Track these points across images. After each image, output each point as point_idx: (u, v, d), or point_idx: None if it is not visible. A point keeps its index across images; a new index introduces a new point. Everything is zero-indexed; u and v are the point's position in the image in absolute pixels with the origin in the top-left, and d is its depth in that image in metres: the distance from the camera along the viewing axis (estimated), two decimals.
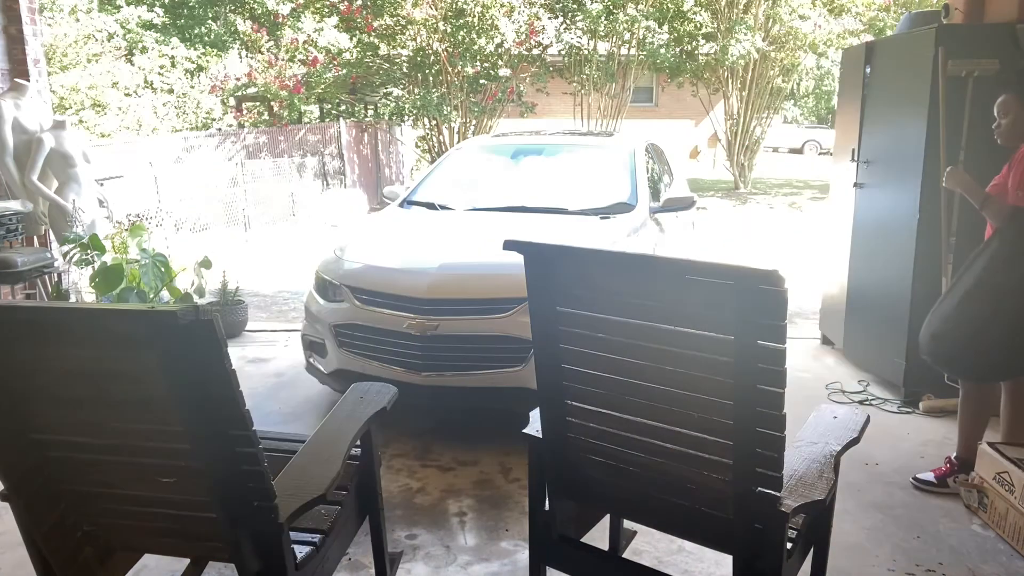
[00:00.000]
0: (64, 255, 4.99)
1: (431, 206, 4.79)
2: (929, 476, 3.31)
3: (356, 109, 16.87)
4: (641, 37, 13.93)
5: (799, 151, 27.44)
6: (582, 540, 2.22)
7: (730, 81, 15.46)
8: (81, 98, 16.64)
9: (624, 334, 1.79)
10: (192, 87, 19.43)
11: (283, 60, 14.03)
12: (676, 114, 21.44)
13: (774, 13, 14.30)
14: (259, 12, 21.13)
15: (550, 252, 1.87)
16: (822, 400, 4.32)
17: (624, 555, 2.64)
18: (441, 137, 14.08)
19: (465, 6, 12.43)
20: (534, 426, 2.11)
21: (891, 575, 2.70)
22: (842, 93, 5.15)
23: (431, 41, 12.71)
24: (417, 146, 16.43)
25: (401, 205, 4.95)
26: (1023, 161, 2.95)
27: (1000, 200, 3.00)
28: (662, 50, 14.09)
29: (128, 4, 21.17)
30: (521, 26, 13.22)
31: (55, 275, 5.35)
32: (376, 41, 13.16)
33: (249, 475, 1.69)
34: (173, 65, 19.79)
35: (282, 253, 9.71)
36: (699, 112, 18.63)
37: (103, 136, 15.82)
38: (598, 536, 2.38)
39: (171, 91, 19.07)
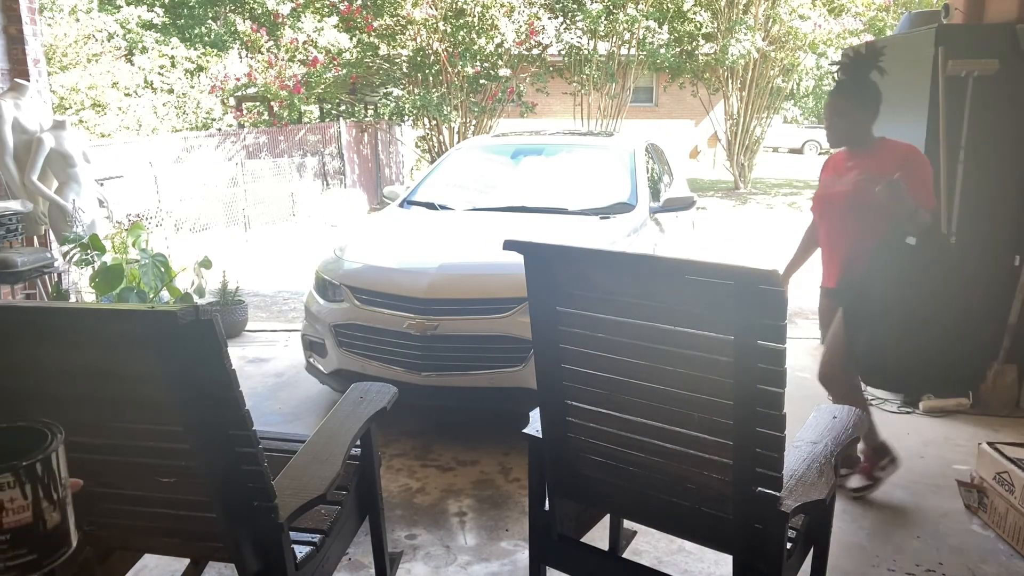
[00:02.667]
0: (64, 255, 4.99)
1: (431, 206, 4.79)
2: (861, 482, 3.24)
3: (356, 109, 16.87)
4: (641, 37, 13.94)
5: (799, 151, 27.44)
6: (582, 540, 2.22)
7: (730, 81, 15.46)
8: (81, 98, 16.68)
9: (624, 334, 1.79)
10: (192, 87, 19.48)
11: (283, 60, 14.04)
12: (676, 114, 21.46)
13: (774, 13, 14.30)
14: (259, 12, 21.17)
15: (550, 252, 1.87)
16: (822, 400, 4.30)
17: (624, 555, 2.64)
18: (441, 137, 14.09)
19: (465, 6, 12.44)
20: (534, 426, 2.11)
21: (891, 575, 2.71)
22: None
23: (431, 41, 12.71)
24: (417, 146, 16.43)
25: (401, 205, 4.95)
26: (920, 165, 2.86)
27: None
28: (662, 50, 14.10)
29: (128, 4, 21.22)
30: (521, 26, 13.22)
31: (55, 275, 5.35)
32: (376, 41, 13.16)
33: (249, 475, 1.69)
34: (173, 65, 19.84)
35: (282, 253, 9.71)
36: (699, 112, 18.65)
37: (103, 136, 15.84)
38: (598, 536, 2.38)
39: (171, 91, 19.13)
